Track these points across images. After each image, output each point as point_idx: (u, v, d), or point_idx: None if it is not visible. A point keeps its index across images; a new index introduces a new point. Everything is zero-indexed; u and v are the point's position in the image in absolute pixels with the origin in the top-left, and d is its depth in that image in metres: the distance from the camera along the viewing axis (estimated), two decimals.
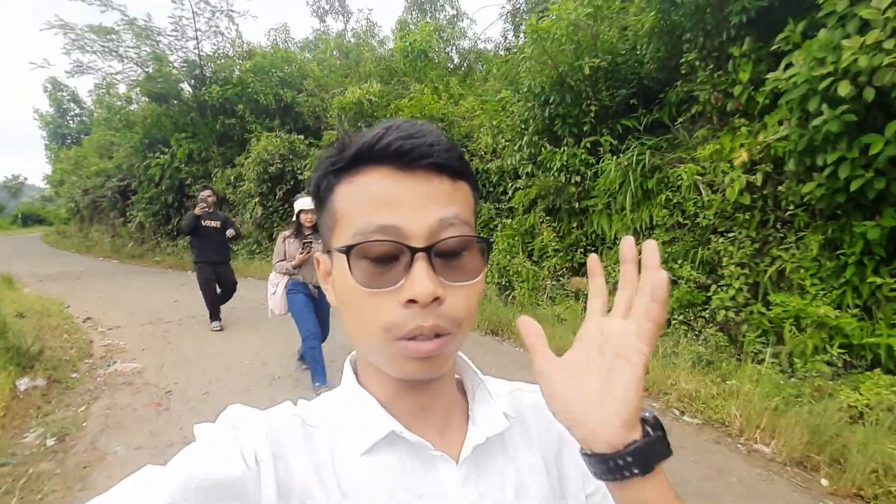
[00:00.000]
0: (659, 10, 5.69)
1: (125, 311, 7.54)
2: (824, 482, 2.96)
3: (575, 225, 6.92)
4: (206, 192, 6.47)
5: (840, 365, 3.94)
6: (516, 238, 7.48)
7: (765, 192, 4.77)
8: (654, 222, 5.81)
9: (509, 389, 0.66)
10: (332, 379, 3.91)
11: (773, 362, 4.17)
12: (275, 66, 13.22)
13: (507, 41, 14.40)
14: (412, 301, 0.47)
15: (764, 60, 4.83)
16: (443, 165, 0.50)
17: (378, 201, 0.48)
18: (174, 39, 13.91)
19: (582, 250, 6.72)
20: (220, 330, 6.49)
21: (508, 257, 7.35)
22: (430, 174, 0.49)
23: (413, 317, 0.47)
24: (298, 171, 11.96)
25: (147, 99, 15.01)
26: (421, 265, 0.47)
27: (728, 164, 5.05)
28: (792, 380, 3.93)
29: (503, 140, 8.31)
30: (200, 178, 14.36)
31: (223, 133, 13.76)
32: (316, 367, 3.96)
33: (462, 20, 16.00)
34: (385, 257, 0.48)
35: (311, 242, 4.00)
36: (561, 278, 6.80)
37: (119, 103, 16.84)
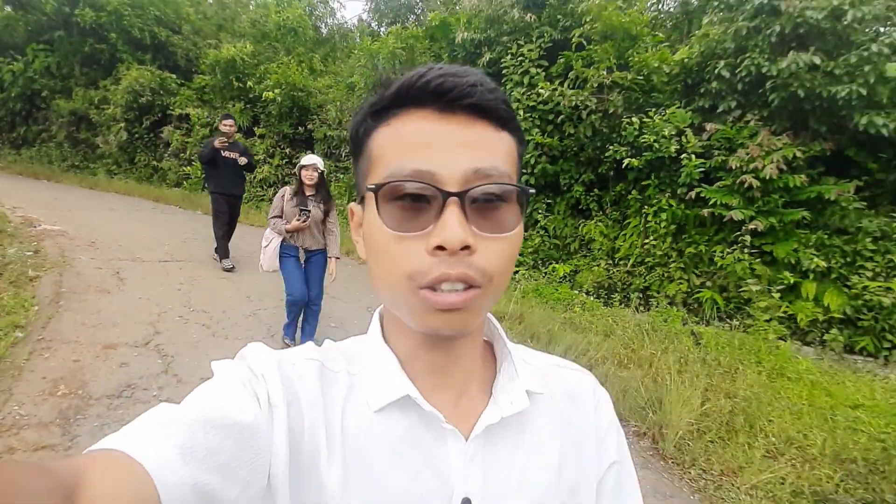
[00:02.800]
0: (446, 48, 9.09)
1: None
2: None
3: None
4: (229, 122, 6.03)
5: None
6: (346, 187, 10.59)
7: None
8: None
9: (548, 363, 0.62)
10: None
11: None
12: (153, 3, 14.30)
13: (367, 21, 17.17)
14: (440, 248, 0.44)
15: None
16: (485, 109, 0.46)
17: (413, 144, 0.46)
18: None
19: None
20: (232, 268, 6.16)
21: (348, 202, 10.45)
22: (471, 118, 0.46)
23: (440, 264, 0.44)
24: (168, 107, 13.52)
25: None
26: (453, 210, 0.44)
27: None
28: None
29: (347, 115, 11.22)
30: (58, 92, 14.84)
31: (90, 55, 14.46)
32: (289, 326, 4.14)
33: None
34: (416, 201, 0.45)
35: (309, 210, 3.80)
36: None
37: None
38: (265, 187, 12.43)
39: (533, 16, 7.75)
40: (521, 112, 7.08)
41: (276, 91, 11.74)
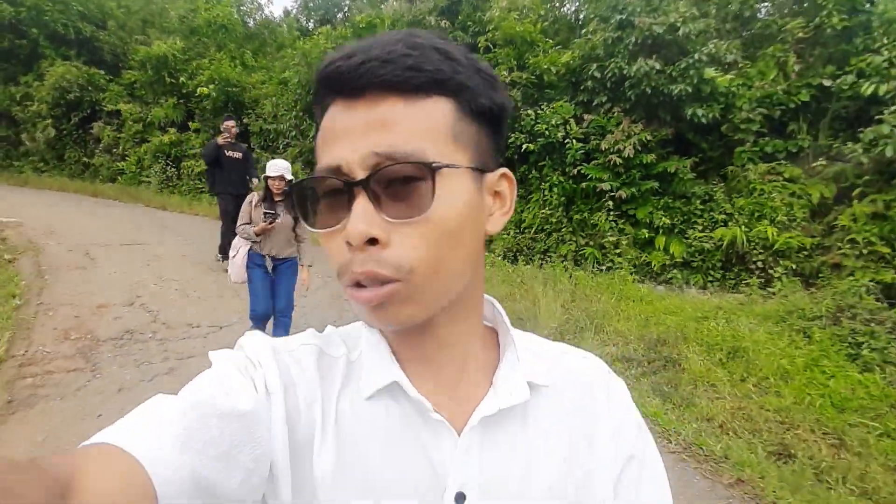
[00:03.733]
0: None
1: None
2: None
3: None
4: (230, 122, 6.21)
5: None
6: None
7: None
8: None
9: (555, 351, 0.60)
10: None
11: None
12: None
13: (295, 16, 17.75)
14: (349, 243, 0.42)
15: None
16: (387, 83, 0.42)
17: (327, 138, 0.44)
18: None
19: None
20: None
21: None
22: (378, 96, 0.42)
23: (351, 261, 0.43)
24: (97, 103, 13.61)
25: None
26: (358, 201, 0.42)
27: None
28: None
29: (282, 109, 11.97)
30: None
31: (9, 50, 14.19)
32: None
33: None
34: (334, 195, 0.44)
35: (276, 215, 3.67)
36: None
37: None
38: (202, 180, 12.92)
39: (447, 22, 8.96)
40: None
41: (211, 87, 12.26)
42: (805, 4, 6.71)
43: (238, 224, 3.83)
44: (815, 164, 6.38)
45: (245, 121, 12.70)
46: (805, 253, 6.05)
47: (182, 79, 13.05)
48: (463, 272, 0.48)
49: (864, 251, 5.58)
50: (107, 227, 7.92)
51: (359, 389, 0.51)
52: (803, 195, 6.32)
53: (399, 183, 0.42)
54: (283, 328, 3.96)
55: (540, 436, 0.53)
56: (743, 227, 6.26)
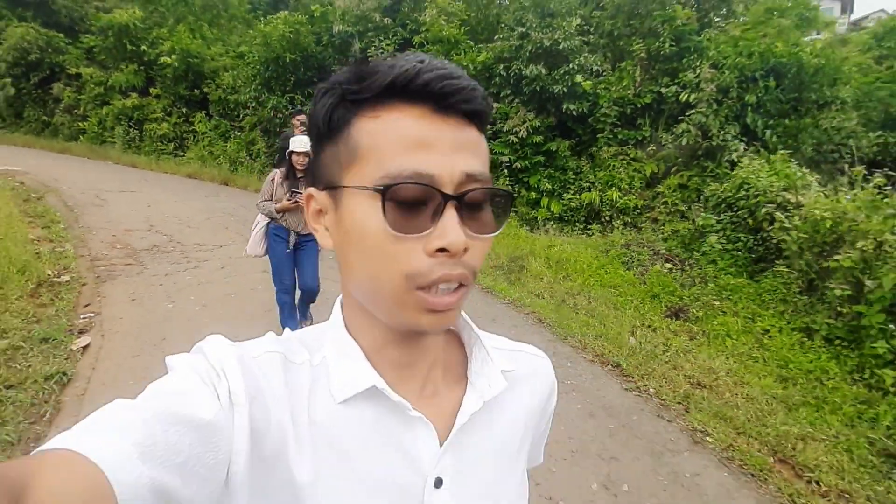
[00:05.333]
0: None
1: None
2: None
3: (277, 140, 12.77)
4: (301, 118, 5.90)
5: None
6: (242, 143, 12.96)
7: None
8: None
9: (511, 347, 0.66)
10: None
11: None
12: None
13: None
14: (442, 250, 0.45)
15: None
16: (478, 114, 0.48)
17: (412, 144, 0.45)
18: None
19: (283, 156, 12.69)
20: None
21: (245, 155, 12.79)
22: (463, 122, 0.47)
23: (441, 265, 0.46)
24: (57, 65, 14.41)
25: None
26: (452, 213, 0.45)
27: None
28: None
29: (240, 81, 13.40)
30: None
31: None
32: (287, 319, 3.93)
33: None
34: (414, 203, 0.45)
35: (300, 192, 3.66)
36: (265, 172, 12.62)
37: None
38: (165, 142, 14.16)
39: (389, 19, 10.84)
40: None
41: (173, 57, 13.47)
42: (649, 31, 9.15)
43: (258, 200, 3.84)
44: (649, 149, 8.94)
45: (205, 90, 14.03)
46: (638, 211, 8.62)
47: (143, 47, 14.11)
48: None
49: (671, 209, 8.19)
50: (99, 179, 9.37)
51: (330, 394, 0.52)
52: (641, 170, 8.87)
53: (480, 203, 0.48)
54: (308, 307, 4.09)
55: (503, 424, 0.58)
56: (599, 192, 8.75)
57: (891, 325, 3.71)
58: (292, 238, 3.83)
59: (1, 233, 5.32)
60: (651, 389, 3.69)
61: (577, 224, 8.94)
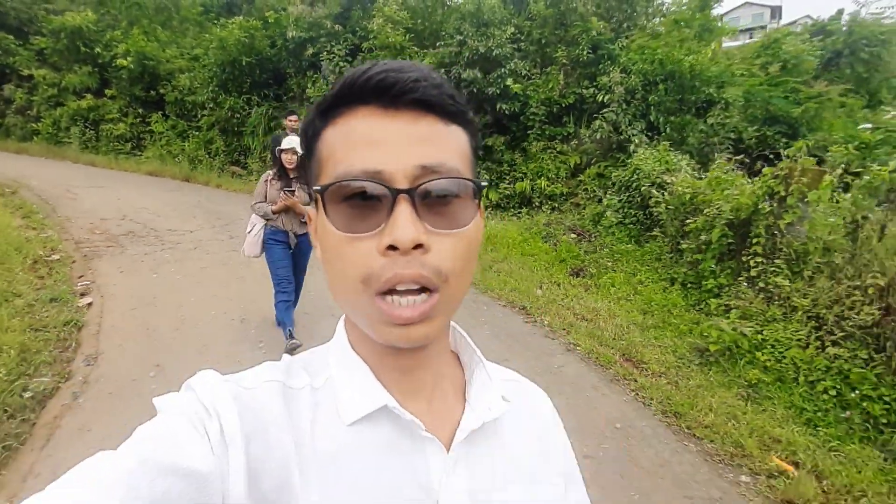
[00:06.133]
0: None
1: None
2: None
3: (235, 140, 13.41)
4: (293, 118, 6.11)
5: None
6: (201, 143, 13.54)
7: None
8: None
9: (507, 377, 0.64)
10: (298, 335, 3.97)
11: None
12: None
13: None
14: (392, 248, 0.43)
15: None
16: (430, 104, 0.46)
17: (359, 142, 0.45)
18: None
19: (238, 153, 13.33)
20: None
21: (203, 153, 13.35)
22: (418, 114, 0.46)
23: (392, 264, 0.43)
24: (7, 66, 14.51)
25: None
26: (403, 208, 0.43)
27: None
28: None
29: (197, 83, 13.95)
30: None
31: None
32: (286, 316, 3.92)
33: None
34: (366, 200, 0.44)
35: (293, 190, 3.73)
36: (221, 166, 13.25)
37: None
38: (122, 142, 14.51)
39: (339, 26, 11.73)
40: None
41: (129, 59, 13.87)
42: (571, 40, 10.44)
43: (252, 202, 3.88)
44: (573, 143, 10.23)
45: (161, 91, 14.47)
46: (564, 197, 9.88)
47: (97, 49, 14.42)
48: (467, 290, 0.50)
49: (591, 195, 9.48)
50: (64, 176, 9.86)
51: (336, 417, 0.50)
52: (566, 162, 10.14)
53: (443, 196, 0.45)
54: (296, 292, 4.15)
55: (509, 450, 0.56)
56: (530, 181, 9.95)
57: (717, 268, 4.99)
58: (292, 238, 3.88)
59: None
60: (545, 321, 4.83)
61: (512, 210, 10.13)
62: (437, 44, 11.24)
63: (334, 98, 0.47)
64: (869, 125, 7.91)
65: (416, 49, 11.52)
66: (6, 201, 7.36)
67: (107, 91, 14.67)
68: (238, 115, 13.09)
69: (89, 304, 4.55)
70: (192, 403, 0.46)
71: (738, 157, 7.07)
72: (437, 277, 0.45)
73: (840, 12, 14.32)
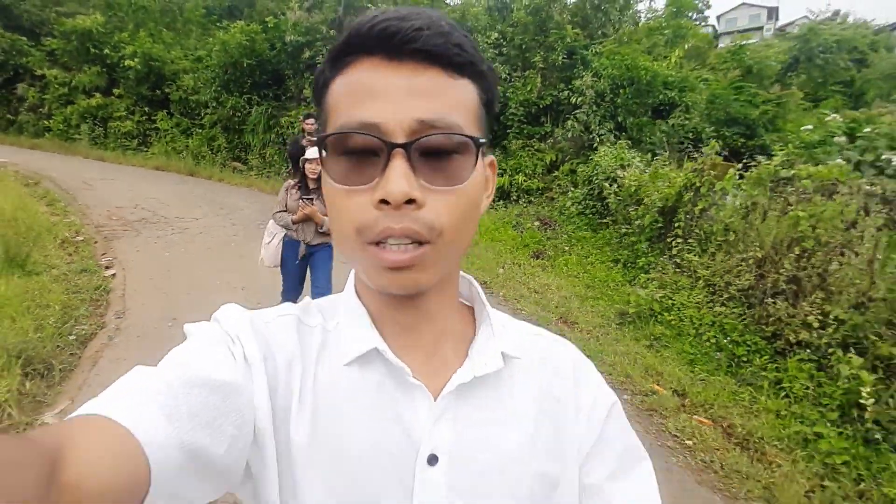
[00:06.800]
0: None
1: None
2: None
3: (236, 137, 14.24)
4: (311, 121, 5.97)
5: None
6: (204, 139, 14.37)
7: None
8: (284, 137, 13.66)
9: (528, 331, 0.63)
10: None
11: None
12: None
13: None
14: (384, 202, 0.43)
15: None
16: (434, 54, 0.44)
17: (361, 94, 0.45)
18: None
19: (239, 150, 14.16)
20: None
21: (206, 150, 14.18)
22: (421, 65, 0.45)
23: (384, 218, 0.44)
24: (20, 66, 15.34)
25: None
26: (397, 163, 0.43)
27: None
28: None
29: (200, 83, 14.77)
30: None
31: None
32: None
33: None
34: (364, 154, 0.45)
35: (311, 198, 3.71)
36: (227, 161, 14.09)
37: None
38: (129, 139, 15.33)
39: (335, 31, 12.55)
40: None
41: (136, 60, 14.69)
42: (549, 46, 11.26)
43: (274, 210, 3.91)
44: (549, 142, 11.06)
45: (166, 90, 15.29)
46: (540, 191, 10.71)
47: (106, 50, 15.24)
48: (469, 245, 0.51)
49: (564, 189, 10.30)
50: (77, 169, 10.69)
51: (337, 356, 0.53)
52: (542, 159, 10.96)
53: (438, 151, 0.45)
54: None
55: (509, 406, 0.55)
56: (509, 176, 10.78)
57: (648, 248, 5.83)
58: (302, 248, 3.87)
59: (20, 206, 6.81)
60: (501, 294, 5.67)
61: (492, 203, 10.97)
62: None
63: (341, 47, 0.47)
64: (811, 126, 8.70)
65: None
66: (31, 191, 8.18)
67: (114, 90, 15.50)
68: (239, 114, 13.91)
69: (113, 275, 5.38)
70: (217, 330, 0.51)
71: (664, 154, 7.89)
72: (429, 233, 0.44)
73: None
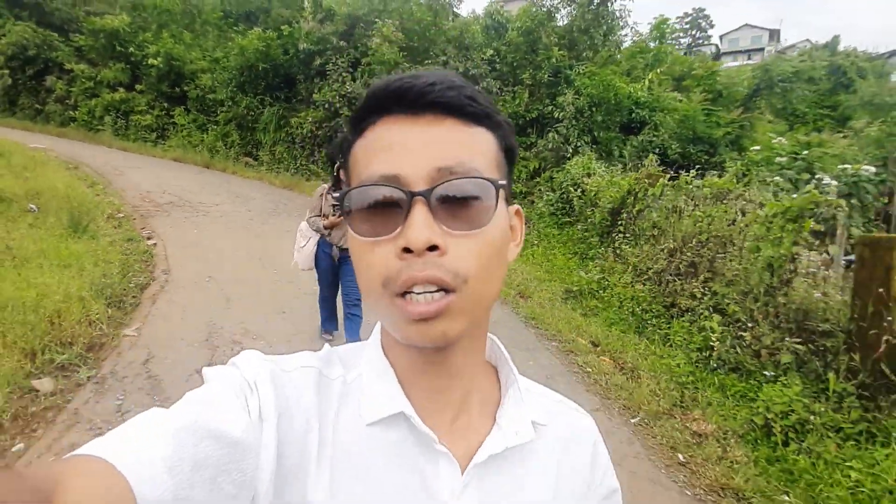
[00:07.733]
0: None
1: None
2: None
3: (248, 134, 15.43)
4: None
5: None
6: (218, 135, 15.57)
7: None
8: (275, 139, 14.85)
9: (551, 398, 0.63)
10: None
11: None
12: None
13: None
14: (407, 250, 0.44)
15: None
16: (449, 106, 0.47)
17: (379, 149, 0.47)
18: None
19: (251, 146, 15.34)
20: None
21: (221, 145, 15.37)
22: (438, 117, 0.47)
23: (408, 267, 0.44)
24: (50, 60, 16.54)
25: None
26: (418, 210, 0.44)
27: None
28: None
29: (217, 83, 15.96)
30: None
31: None
32: (325, 322, 4.34)
33: None
34: (386, 206, 0.45)
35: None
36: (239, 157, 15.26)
37: None
38: (148, 132, 16.50)
39: (344, 42, 13.78)
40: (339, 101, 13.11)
41: (158, 59, 15.88)
42: (536, 64, 12.49)
43: (308, 215, 4.00)
44: (533, 151, 12.26)
45: (185, 88, 16.47)
46: (522, 195, 11.89)
47: (131, 48, 16.44)
48: (497, 294, 0.50)
49: (542, 194, 11.49)
50: (106, 157, 11.86)
51: (359, 413, 0.52)
52: (527, 166, 12.15)
53: (458, 197, 0.45)
54: (355, 324, 4.03)
55: (531, 477, 0.55)
56: None
57: (598, 242, 7.01)
58: (335, 252, 3.99)
59: (70, 185, 7.98)
60: None
61: None
62: (425, 62, 13.29)
63: (362, 110, 0.49)
64: (758, 147, 9.90)
65: (408, 65, 13.56)
66: (73, 174, 9.34)
67: (137, 86, 16.68)
68: (252, 113, 15.11)
69: (154, 244, 6.55)
70: (236, 376, 0.50)
71: (662, 168, 9.08)
72: (454, 279, 0.44)
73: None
